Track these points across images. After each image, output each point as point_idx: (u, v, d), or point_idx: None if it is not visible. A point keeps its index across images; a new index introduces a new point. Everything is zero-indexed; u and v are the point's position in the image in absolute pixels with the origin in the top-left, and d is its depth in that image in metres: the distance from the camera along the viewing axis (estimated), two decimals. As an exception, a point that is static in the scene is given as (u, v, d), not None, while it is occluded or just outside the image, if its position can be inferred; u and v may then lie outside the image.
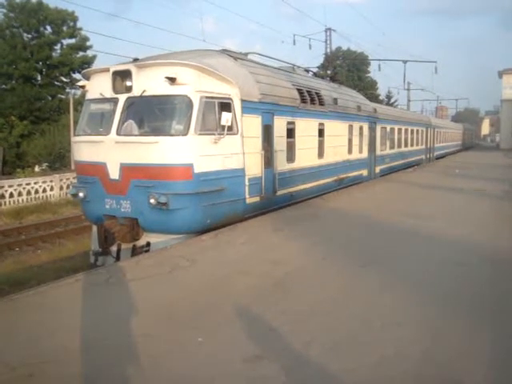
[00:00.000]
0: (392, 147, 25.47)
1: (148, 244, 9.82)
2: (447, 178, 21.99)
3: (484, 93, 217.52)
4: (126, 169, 9.65)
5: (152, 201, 9.33)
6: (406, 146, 28.74)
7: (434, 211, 12.53)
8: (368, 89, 66.56)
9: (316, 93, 15.22)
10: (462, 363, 4.45)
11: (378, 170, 22.43)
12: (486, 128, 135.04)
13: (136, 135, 9.86)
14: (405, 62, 45.36)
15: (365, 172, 20.42)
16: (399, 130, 26.96)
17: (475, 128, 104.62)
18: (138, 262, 8.10)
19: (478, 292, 6.42)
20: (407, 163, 28.66)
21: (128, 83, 9.94)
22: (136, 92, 9.84)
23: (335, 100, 16.77)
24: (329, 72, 40.86)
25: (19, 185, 23.05)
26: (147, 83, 9.78)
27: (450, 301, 6.03)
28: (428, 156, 35.92)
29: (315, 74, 20.90)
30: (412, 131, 30.53)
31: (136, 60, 10.53)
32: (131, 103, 9.99)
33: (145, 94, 9.77)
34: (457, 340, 4.92)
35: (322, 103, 15.41)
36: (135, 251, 9.76)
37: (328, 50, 46.34)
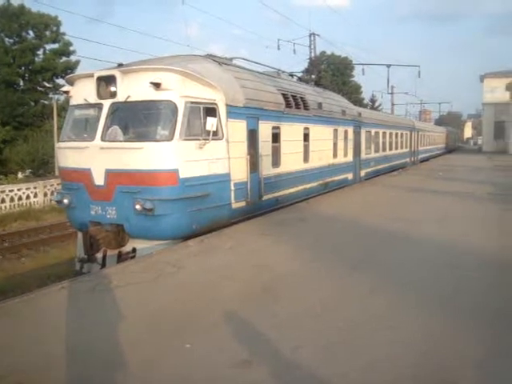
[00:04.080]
0: (377, 151, 25.62)
1: (134, 250, 9.75)
2: (432, 180, 22.16)
3: (466, 96, 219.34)
4: (111, 175, 9.59)
5: (138, 207, 9.28)
6: (390, 149, 28.93)
7: (420, 214, 12.61)
8: (352, 93, 66.90)
9: (301, 97, 15.26)
10: (455, 366, 4.47)
11: (363, 173, 22.53)
12: (468, 131, 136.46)
13: (121, 141, 9.81)
14: (388, 66, 45.65)
15: (350, 176, 20.50)
16: (384, 133, 27.14)
17: (458, 131, 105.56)
18: (124, 268, 8.04)
19: (471, 293, 6.47)
20: (392, 166, 28.83)
21: (112, 89, 9.89)
22: (121, 97, 9.79)
23: (320, 104, 16.83)
24: (313, 76, 41.03)
25: (2, 191, 22.80)
26: (132, 89, 9.74)
27: (441, 302, 6.07)
28: (412, 159, 36.18)
29: (300, 79, 20.98)
30: (396, 135, 30.73)
31: (120, 65, 10.48)
32: (116, 109, 9.94)
33: (129, 99, 9.73)
34: (449, 342, 4.93)
35: (306, 108, 15.45)
36: (121, 258, 9.70)
37: (312, 55, 46.49)
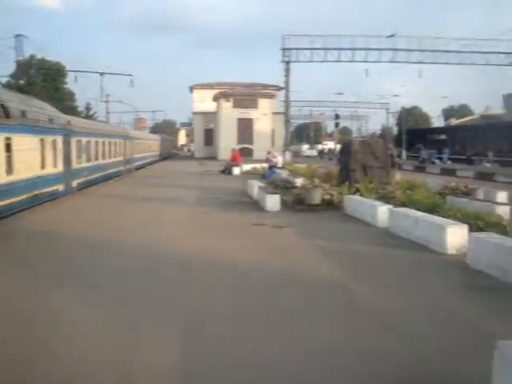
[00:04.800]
0: (89, 160, 25.27)
1: None
2: (146, 188, 23.12)
3: (180, 105, 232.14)
4: None
5: None
6: (104, 158, 28.85)
7: (131, 221, 13.09)
8: (66, 100, 64.81)
9: (1, 105, 14.28)
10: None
11: (75, 183, 21.99)
12: (182, 138, 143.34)
13: None
14: (102, 74, 45.81)
15: (61, 187, 19.78)
16: (96, 142, 26.95)
17: (173, 139, 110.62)
18: None
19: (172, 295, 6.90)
20: (107, 175, 28.84)
21: None
22: None
23: (23, 113, 15.98)
24: (22, 82, 38.81)
25: None
26: None
27: (144, 310, 6.35)
28: (127, 167, 36.63)
29: (2, 85, 19.61)
30: (110, 143, 30.82)
31: None
32: None
33: None
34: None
35: (8, 116, 14.52)
36: None
37: (20, 58, 43.96)
